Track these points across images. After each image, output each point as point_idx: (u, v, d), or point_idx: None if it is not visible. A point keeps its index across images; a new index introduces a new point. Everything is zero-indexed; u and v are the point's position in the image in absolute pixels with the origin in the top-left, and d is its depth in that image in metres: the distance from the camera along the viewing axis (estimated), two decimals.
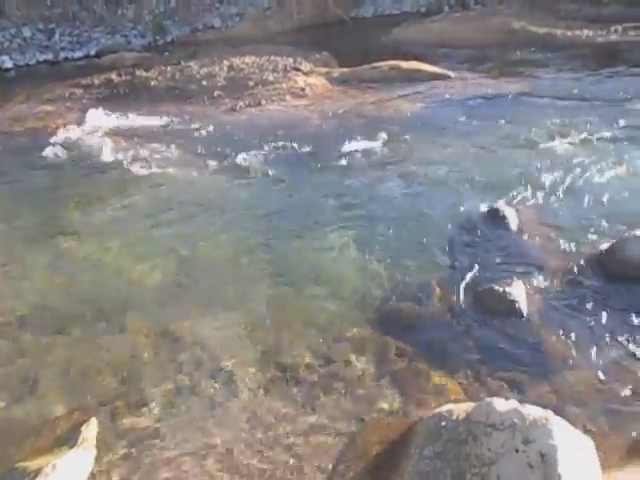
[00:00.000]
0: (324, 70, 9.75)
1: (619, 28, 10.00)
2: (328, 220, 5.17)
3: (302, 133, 7.15)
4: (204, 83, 9.44)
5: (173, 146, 7.05)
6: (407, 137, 6.69)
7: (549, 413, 2.41)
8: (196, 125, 7.77)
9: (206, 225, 5.28)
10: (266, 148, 6.77)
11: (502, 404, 2.49)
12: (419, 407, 3.24)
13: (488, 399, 2.58)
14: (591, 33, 9.94)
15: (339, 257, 4.64)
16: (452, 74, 8.77)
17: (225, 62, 10.16)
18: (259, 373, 3.60)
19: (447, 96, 7.96)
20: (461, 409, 2.66)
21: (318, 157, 6.47)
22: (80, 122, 8.05)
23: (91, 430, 3.14)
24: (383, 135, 6.76)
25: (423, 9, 13.25)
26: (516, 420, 2.37)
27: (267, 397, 3.41)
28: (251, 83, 9.21)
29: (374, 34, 12.14)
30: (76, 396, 3.48)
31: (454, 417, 2.62)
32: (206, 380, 3.58)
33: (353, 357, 3.66)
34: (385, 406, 3.30)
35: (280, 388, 3.48)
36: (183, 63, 10.56)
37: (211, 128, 7.60)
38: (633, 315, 3.72)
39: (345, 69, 9.63)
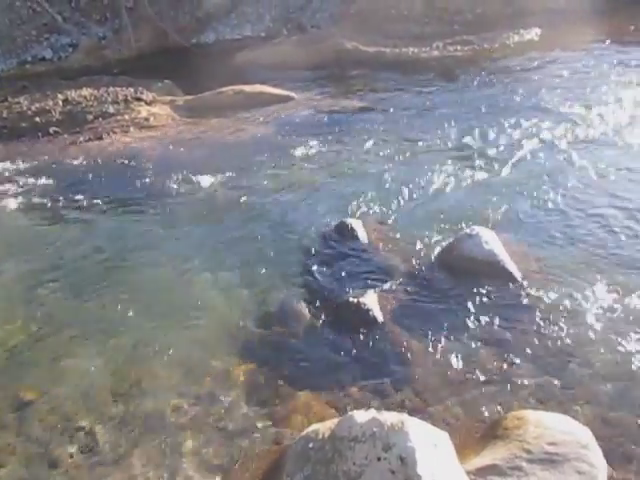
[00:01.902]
0: (168, 98, 9.52)
1: (440, 44, 10.98)
2: (178, 253, 5.02)
3: (147, 164, 6.91)
4: (37, 119, 8.75)
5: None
6: (254, 161, 6.71)
7: (405, 416, 2.51)
8: (28, 165, 7.18)
9: (44, 272, 4.87)
10: (108, 182, 6.49)
11: (362, 415, 2.55)
12: (290, 431, 3.23)
13: (349, 413, 2.63)
14: (416, 50, 10.79)
15: (197, 289, 4.51)
16: (295, 95, 9.02)
17: (60, 96, 9.52)
18: (121, 427, 3.38)
19: (292, 117, 8.15)
20: (326, 427, 2.69)
21: (163, 187, 6.30)
22: None
23: None
24: (230, 160, 6.75)
25: (263, 34, 13.49)
26: (375, 429, 2.44)
27: (132, 452, 3.20)
28: (90, 116, 8.72)
29: (217, 60, 12.12)
30: None
31: (320, 437, 2.64)
32: (62, 446, 3.28)
33: (220, 391, 3.57)
34: (257, 437, 3.25)
35: (145, 438, 3.28)
36: (11, 99, 9.72)
37: (46, 167, 7.08)
38: (474, 306, 4.04)
39: (190, 96, 9.49)
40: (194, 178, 6.42)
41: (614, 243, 4.60)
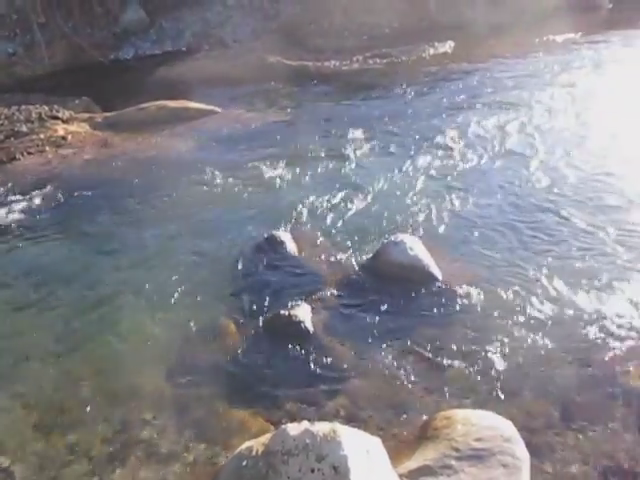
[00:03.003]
0: (86, 116, 9.20)
1: (360, 58, 11.26)
2: (102, 274, 4.87)
3: (65, 184, 6.63)
4: None
5: None
6: (178, 176, 6.60)
7: (337, 425, 2.53)
8: None
9: None
10: (22, 204, 6.23)
11: (295, 428, 2.54)
12: (226, 450, 3.17)
13: (282, 427, 2.62)
14: (337, 63, 11.02)
15: (122, 311, 4.37)
16: (219, 109, 8.95)
17: None
18: (44, 463, 3.21)
19: (217, 131, 8.08)
20: (259, 443, 2.66)
21: (83, 208, 6.10)
22: None
23: None
24: (153, 177, 6.62)
25: (184, 49, 13.35)
26: (308, 440, 2.44)
27: None
28: (0, 136, 8.28)
29: (138, 75, 11.89)
30: None
31: (253, 453, 2.60)
32: None
33: (150, 415, 3.46)
34: (190, 459, 3.17)
35: (70, 473, 3.12)
36: None
37: None
38: (402, 311, 4.14)
39: (109, 113, 9.21)
40: (116, 196, 6.23)
41: (532, 243, 4.84)
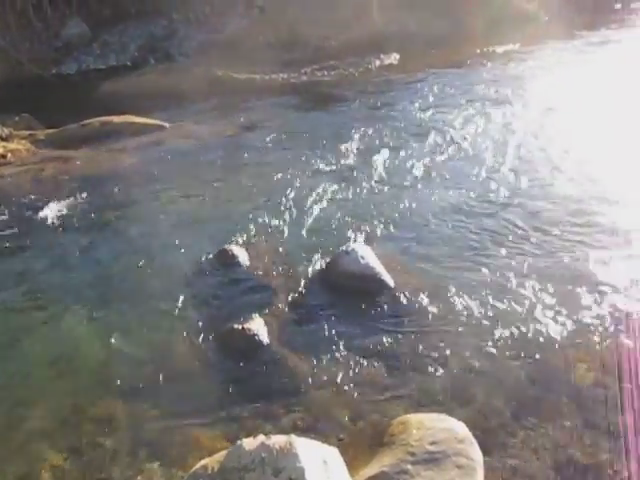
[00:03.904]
0: (27, 133, 8.91)
1: (308, 70, 11.37)
2: (47, 295, 4.72)
3: (5, 203, 6.39)
4: None
5: None
6: (125, 193, 6.47)
7: (293, 437, 2.51)
8: None
9: None
10: None
11: (250, 443, 2.51)
12: (181, 470, 3.10)
13: (238, 442, 2.58)
14: (286, 76, 11.09)
15: (69, 332, 4.23)
16: (166, 124, 8.83)
17: None
18: None
19: (165, 146, 7.96)
20: (215, 460, 2.61)
21: (28, 226, 5.90)
22: None
23: None
24: (99, 194, 6.47)
25: (129, 63, 13.17)
26: (264, 454, 2.41)
27: None
28: None
29: (81, 90, 11.65)
30: None
31: (209, 471, 2.55)
32: None
33: (101, 439, 3.34)
34: None
35: None
36: None
37: None
38: (356, 319, 4.16)
39: (51, 130, 8.96)
40: (60, 214, 6.05)
41: (482, 246, 4.95)
